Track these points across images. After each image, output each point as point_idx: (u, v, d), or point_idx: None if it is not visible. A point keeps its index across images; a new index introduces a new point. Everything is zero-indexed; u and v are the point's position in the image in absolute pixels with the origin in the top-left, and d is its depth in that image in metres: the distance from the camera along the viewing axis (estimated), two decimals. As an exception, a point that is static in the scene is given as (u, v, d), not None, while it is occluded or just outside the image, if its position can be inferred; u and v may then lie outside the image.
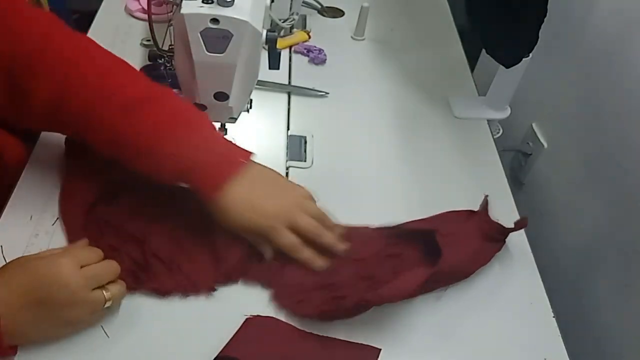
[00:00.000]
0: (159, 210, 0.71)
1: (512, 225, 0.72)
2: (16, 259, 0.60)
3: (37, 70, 0.64)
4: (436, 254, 0.67)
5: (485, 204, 0.75)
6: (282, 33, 1.04)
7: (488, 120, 0.95)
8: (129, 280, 0.64)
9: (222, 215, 0.67)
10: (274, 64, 0.75)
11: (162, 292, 0.65)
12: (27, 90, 0.65)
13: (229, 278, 0.67)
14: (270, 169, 0.71)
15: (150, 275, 0.66)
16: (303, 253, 0.68)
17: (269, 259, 0.68)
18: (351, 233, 0.71)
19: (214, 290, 0.66)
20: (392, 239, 0.72)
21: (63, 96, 0.65)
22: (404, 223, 0.73)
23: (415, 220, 0.73)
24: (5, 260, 0.65)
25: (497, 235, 0.72)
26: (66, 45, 0.66)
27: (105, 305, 0.59)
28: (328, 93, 0.95)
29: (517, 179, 1.15)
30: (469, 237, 0.71)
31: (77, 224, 0.69)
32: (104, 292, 0.59)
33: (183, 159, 0.65)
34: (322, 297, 0.66)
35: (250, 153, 0.69)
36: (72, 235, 0.68)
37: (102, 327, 0.61)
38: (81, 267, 0.58)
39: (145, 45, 0.99)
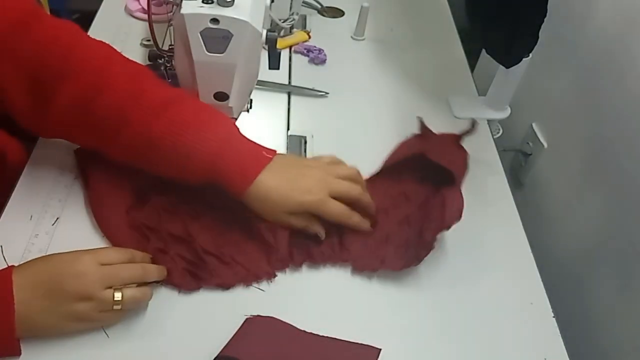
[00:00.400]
0: (193, 207, 0.72)
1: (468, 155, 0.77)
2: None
3: (63, 76, 0.65)
4: (431, 176, 0.74)
5: (423, 125, 0.80)
6: (282, 33, 1.04)
7: (488, 120, 0.95)
8: (188, 280, 0.65)
9: (263, 204, 0.67)
10: (274, 64, 0.75)
11: (226, 286, 0.66)
12: (51, 94, 0.66)
13: (287, 265, 0.69)
14: (288, 154, 0.73)
15: (209, 272, 0.67)
16: (353, 218, 0.70)
17: (324, 236, 0.70)
18: None
19: (275, 276, 0.68)
20: (387, 181, 0.78)
21: (90, 99, 0.65)
22: (383, 165, 0.79)
23: (389, 157, 0.79)
24: (5, 260, 0.65)
25: (458, 143, 0.78)
26: (90, 52, 0.67)
27: (114, 307, 0.59)
28: (328, 93, 0.95)
29: (517, 179, 1.15)
30: (446, 150, 0.76)
31: (120, 233, 0.69)
32: (115, 292, 0.58)
33: (212, 155, 0.65)
34: (391, 250, 0.71)
35: (274, 150, 0.70)
36: (119, 245, 0.68)
37: (102, 327, 0.61)
38: (102, 265, 0.59)
39: (145, 45, 0.99)
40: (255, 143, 0.70)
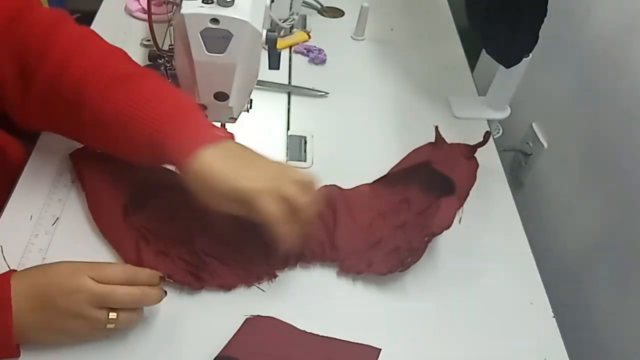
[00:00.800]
0: (190, 210, 0.70)
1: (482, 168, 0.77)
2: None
3: (44, 50, 0.66)
4: (434, 185, 0.74)
5: (438, 134, 0.81)
6: (282, 33, 1.04)
7: (488, 120, 0.95)
8: (191, 281, 0.65)
9: (202, 183, 0.60)
10: (274, 64, 0.75)
11: (227, 287, 0.66)
12: (33, 68, 0.66)
13: (286, 264, 0.69)
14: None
15: (210, 273, 0.66)
16: (282, 227, 0.61)
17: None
18: (355, 193, 0.77)
19: (276, 276, 0.68)
20: (392, 187, 0.78)
21: (57, 77, 0.65)
22: (391, 170, 0.80)
23: (398, 163, 0.81)
24: (5, 260, 0.65)
25: (470, 154, 0.77)
26: (72, 30, 0.68)
27: (108, 325, 0.57)
28: (328, 93, 0.95)
29: (517, 179, 1.15)
30: (456, 160, 0.76)
31: (120, 235, 0.68)
32: (110, 314, 0.57)
33: (159, 127, 0.62)
34: (380, 254, 0.70)
35: (232, 134, 0.66)
36: (125, 251, 0.67)
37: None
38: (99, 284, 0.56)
39: (145, 45, 0.99)
40: (211, 123, 0.66)
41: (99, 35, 0.71)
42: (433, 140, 0.82)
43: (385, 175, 0.79)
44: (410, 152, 0.83)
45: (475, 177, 0.75)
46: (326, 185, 0.77)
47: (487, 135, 0.76)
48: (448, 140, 0.81)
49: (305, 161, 0.84)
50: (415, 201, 0.76)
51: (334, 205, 0.74)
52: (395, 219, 0.74)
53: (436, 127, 0.81)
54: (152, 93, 0.65)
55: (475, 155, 0.77)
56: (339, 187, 0.77)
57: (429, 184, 0.76)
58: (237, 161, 0.62)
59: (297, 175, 0.63)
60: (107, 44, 0.70)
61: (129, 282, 0.58)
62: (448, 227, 0.67)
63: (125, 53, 0.71)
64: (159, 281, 0.61)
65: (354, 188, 0.78)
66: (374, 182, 0.79)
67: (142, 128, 0.63)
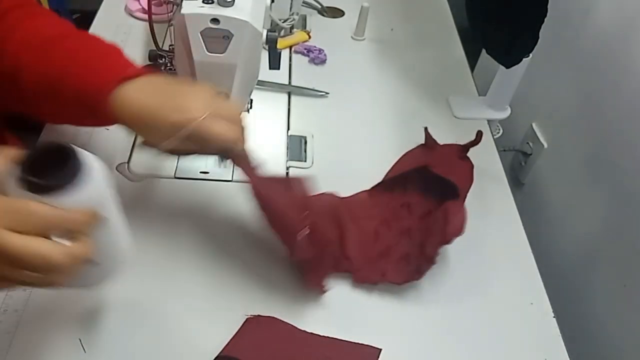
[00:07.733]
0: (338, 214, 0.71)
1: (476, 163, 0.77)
2: None
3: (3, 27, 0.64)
4: (435, 188, 0.73)
5: (428, 135, 0.81)
6: (282, 33, 1.04)
7: (488, 120, 0.95)
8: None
9: (135, 122, 0.58)
10: (274, 64, 0.75)
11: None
12: None
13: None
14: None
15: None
16: (240, 145, 0.61)
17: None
18: (354, 201, 0.76)
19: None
20: (390, 192, 0.77)
21: (5, 44, 0.63)
22: (386, 176, 0.80)
23: (392, 168, 0.81)
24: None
25: (462, 154, 0.77)
26: (30, 9, 0.67)
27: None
28: (328, 93, 0.95)
29: (517, 179, 1.15)
30: (451, 162, 0.76)
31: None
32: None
33: (86, 77, 0.59)
34: (391, 262, 0.70)
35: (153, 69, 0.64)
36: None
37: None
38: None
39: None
40: (132, 63, 0.63)
41: (52, 13, 0.68)
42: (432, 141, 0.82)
43: (382, 181, 0.79)
44: (403, 156, 0.82)
45: (473, 178, 0.75)
46: (324, 193, 0.75)
47: (479, 135, 0.76)
48: (448, 141, 0.80)
49: (305, 161, 0.84)
50: (416, 205, 0.75)
51: (337, 215, 0.72)
52: (399, 224, 0.74)
53: (426, 129, 0.81)
54: (75, 55, 0.62)
55: (475, 155, 0.77)
56: (338, 196, 0.75)
57: (428, 188, 0.75)
58: (164, 94, 0.59)
59: (225, 100, 0.64)
60: (54, 17, 0.67)
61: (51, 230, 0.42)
62: (461, 234, 0.66)
63: (56, 16, 0.68)
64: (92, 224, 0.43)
65: (352, 196, 0.77)
66: (372, 188, 0.78)
67: (72, 83, 0.60)
